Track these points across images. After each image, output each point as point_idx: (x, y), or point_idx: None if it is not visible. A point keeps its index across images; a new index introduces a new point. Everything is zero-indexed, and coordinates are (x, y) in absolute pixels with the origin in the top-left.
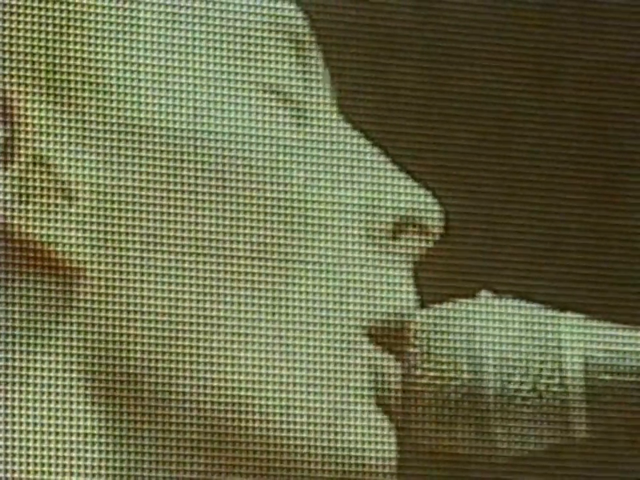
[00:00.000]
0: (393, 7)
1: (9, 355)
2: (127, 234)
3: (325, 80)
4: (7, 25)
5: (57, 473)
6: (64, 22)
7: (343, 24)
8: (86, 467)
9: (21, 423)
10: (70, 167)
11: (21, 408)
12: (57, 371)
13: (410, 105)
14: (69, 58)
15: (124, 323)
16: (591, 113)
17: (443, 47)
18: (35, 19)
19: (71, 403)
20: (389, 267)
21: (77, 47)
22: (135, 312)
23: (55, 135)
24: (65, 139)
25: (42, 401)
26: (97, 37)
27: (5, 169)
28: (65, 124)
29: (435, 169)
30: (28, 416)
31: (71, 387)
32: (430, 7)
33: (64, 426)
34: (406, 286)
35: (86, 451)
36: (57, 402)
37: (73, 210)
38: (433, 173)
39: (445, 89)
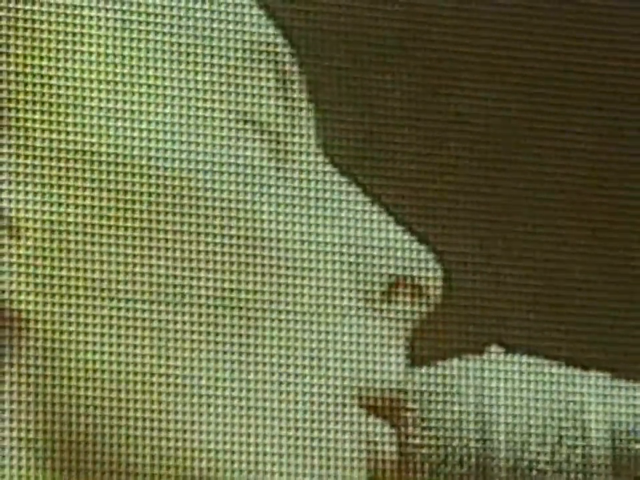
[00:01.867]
0: (378, 45)
1: None
2: (74, 278)
3: (310, 117)
4: None
5: None
6: (11, 41)
7: (329, 59)
8: None
9: None
10: (16, 201)
11: None
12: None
13: (403, 146)
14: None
15: (72, 381)
16: (593, 160)
17: (435, 90)
18: None
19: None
20: (382, 332)
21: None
22: (85, 369)
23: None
24: (7, 168)
25: None
26: (48, 58)
27: None
28: (7, 150)
29: (431, 219)
30: None
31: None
32: (418, 36)
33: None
34: (400, 351)
35: None
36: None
37: (20, 251)
38: (429, 225)
39: (441, 130)
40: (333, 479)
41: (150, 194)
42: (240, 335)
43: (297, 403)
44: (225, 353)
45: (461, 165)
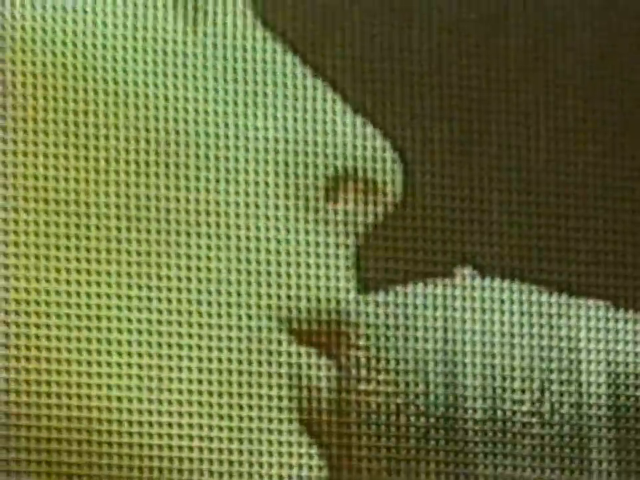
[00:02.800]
0: None
1: None
2: None
3: None
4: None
5: None
6: None
7: None
8: None
9: None
10: None
11: None
12: None
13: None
14: None
15: None
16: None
17: None
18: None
19: None
20: (321, 239)
21: None
22: None
23: None
24: None
25: None
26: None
27: None
28: None
29: (390, 107)
30: None
31: None
32: None
33: None
34: (345, 267)
35: None
36: None
37: None
38: (388, 112)
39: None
40: (257, 421)
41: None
42: (149, 253)
43: (218, 329)
44: (130, 275)
45: (426, 49)
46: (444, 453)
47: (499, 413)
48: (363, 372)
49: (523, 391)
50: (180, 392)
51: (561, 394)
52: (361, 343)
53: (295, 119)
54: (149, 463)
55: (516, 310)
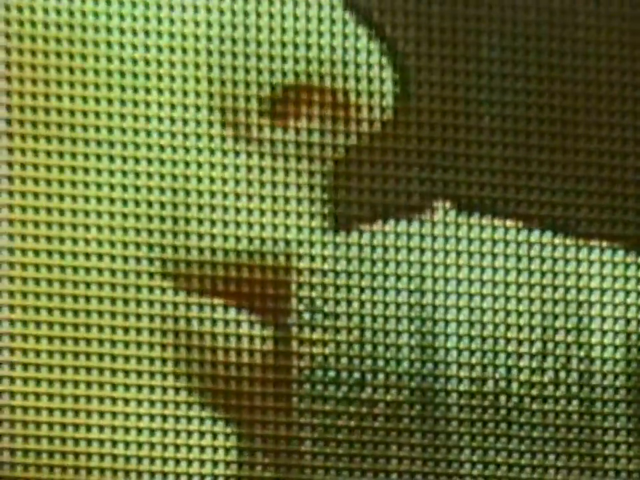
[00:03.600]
0: None
1: None
2: None
3: None
4: None
5: None
6: None
7: None
8: None
9: None
10: None
11: None
12: None
13: None
14: None
15: None
16: None
17: None
18: None
19: None
20: (255, 163)
21: None
22: None
23: None
24: None
25: None
26: None
27: None
28: None
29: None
30: None
31: None
32: None
33: None
34: (296, 200)
35: None
36: None
37: None
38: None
39: None
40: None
41: None
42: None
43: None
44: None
45: None
46: (420, 435)
47: (489, 384)
48: (295, 327)
49: (519, 356)
50: None
51: (567, 359)
52: (304, 293)
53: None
54: None
55: (510, 254)
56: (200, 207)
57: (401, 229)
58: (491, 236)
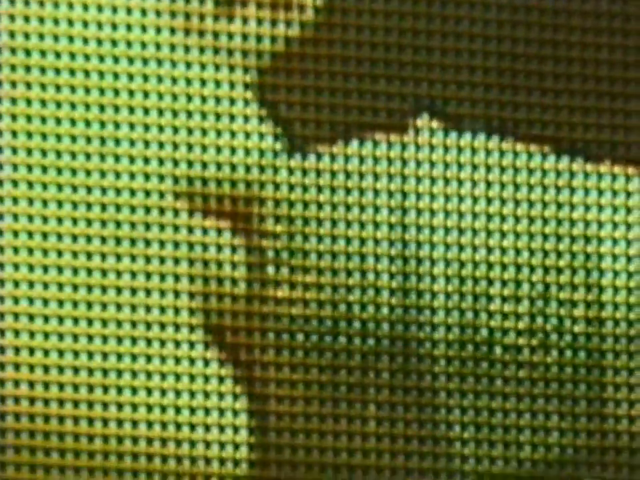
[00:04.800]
0: None
1: None
2: None
3: None
4: None
5: None
6: None
7: None
8: None
9: None
10: None
11: None
12: None
13: None
14: None
15: None
16: None
17: None
18: None
19: None
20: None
21: None
22: None
23: None
24: None
25: None
26: None
27: None
28: None
29: None
30: None
31: None
32: None
33: None
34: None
35: None
36: None
37: None
38: None
39: None
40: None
41: None
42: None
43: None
44: None
45: None
46: (401, 392)
47: (482, 332)
48: (279, 255)
49: (517, 299)
50: None
51: (572, 304)
52: (276, 227)
53: None
54: None
55: (506, 181)
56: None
57: (376, 150)
58: (485, 160)
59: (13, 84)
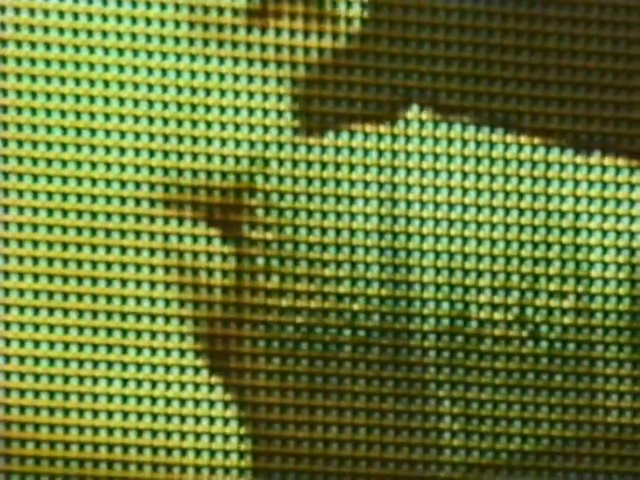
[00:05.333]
0: None
1: None
2: None
3: None
4: None
5: None
6: None
7: None
8: None
9: None
10: None
11: None
12: None
13: None
14: None
15: None
16: None
17: None
18: None
19: None
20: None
21: None
22: None
23: None
24: None
25: None
26: None
27: None
28: None
29: None
30: None
31: None
32: None
33: None
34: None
35: None
36: None
37: None
38: None
39: None
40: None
41: None
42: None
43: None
44: None
45: None
46: (392, 383)
47: (472, 323)
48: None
49: (506, 291)
50: None
51: (562, 295)
52: (265, 219)
53: None
54: None
55: (497, 173)
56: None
57: (370, 142)
58: (474, 152)
59: (19, 93)
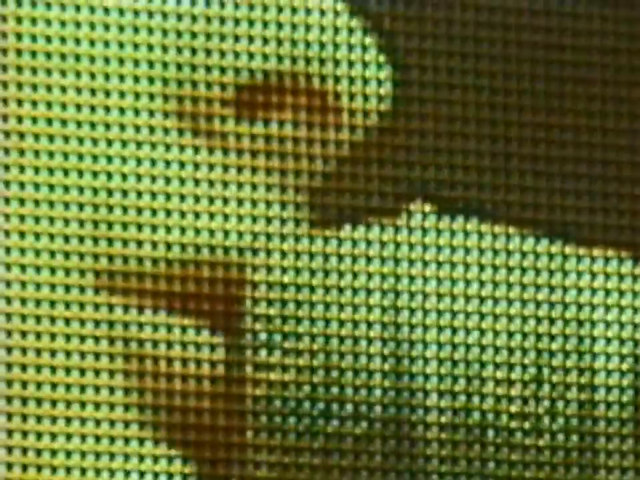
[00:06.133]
0: None
1: None
2: None
3: None
4: None
5: None
6: None
7: None
8: None
9: None
10: None
11: None
12: None
13: None
14: None
15: None
16: None
17: None
18: None
19: None
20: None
21: None
22: None
23: None
24: None
25: None
26: None
27: None
28: None
29: None
30: None
31: None
32: None
33: None
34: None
35: None
36: None
37: None
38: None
39: None
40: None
41: None
42: None
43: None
44: None
45: None
46: (394, 475)
47: (475, 415)
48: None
49: (510, 383)
50: None
51: (566, 387)
52: (261, 311)
53: None
54: None
55: (499, 265)
56: (153, 211)
57: (373, 234)
58: (477, 243)
59: (19, 85)
